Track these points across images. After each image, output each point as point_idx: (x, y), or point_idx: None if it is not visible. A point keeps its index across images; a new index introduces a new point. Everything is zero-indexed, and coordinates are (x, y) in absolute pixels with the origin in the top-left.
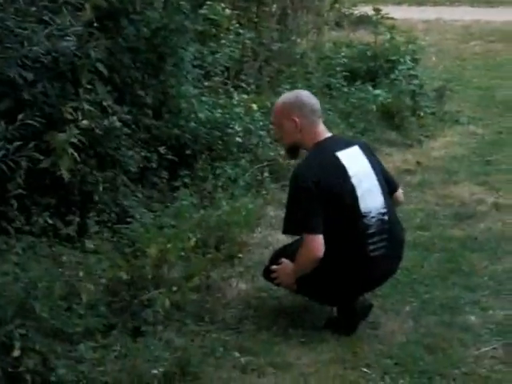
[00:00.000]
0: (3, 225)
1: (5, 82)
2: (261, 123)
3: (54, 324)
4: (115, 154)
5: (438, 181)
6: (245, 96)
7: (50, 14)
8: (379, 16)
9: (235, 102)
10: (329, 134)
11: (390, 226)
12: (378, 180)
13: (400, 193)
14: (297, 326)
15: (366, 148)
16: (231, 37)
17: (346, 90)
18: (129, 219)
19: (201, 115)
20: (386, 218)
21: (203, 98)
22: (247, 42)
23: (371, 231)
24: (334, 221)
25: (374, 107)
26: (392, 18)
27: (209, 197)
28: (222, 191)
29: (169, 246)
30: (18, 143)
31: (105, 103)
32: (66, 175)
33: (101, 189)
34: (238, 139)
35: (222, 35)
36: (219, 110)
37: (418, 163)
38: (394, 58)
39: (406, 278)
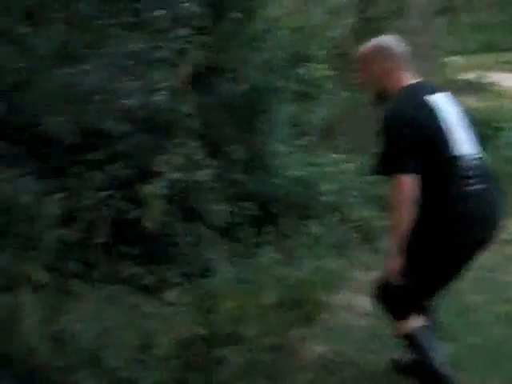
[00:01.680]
0: (86, 273)
1: (101, 134)
2: (353, 183)
3: (125, 375)
4: (202, 208)
5: None
6: (339, 155)
7: (144, 69)
8: (485, 82)
9: (326, 161)
10: (415, 80)
11: (485, 170)
12: (469, 126)
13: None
14: None
15: (455, 100)
16: (328, 96)
17: None
18: (211, 273)
19: (290, 173)
20: (478, 163)
21: (294, 156)
22: (344, 102)
23: (463, 174)
24: (425, 162)
25: None
26: (498, 85)
27: (292, 255)
28: (306, 250)
29: (246, 302)
30: (107, 193)
31: (195, 157)
32: (151, 226)
33: (185, 241)
34: (327, 198)
35: (319, 95)
36: (310, 168)
37: None
38: (499, 124)
39: (493, 354)
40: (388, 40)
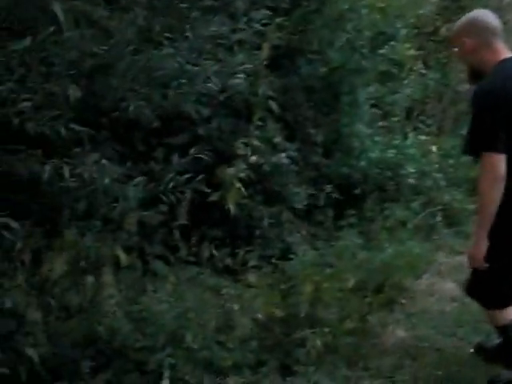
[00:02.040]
0: (166, 254)
1: (182, 118)
2: (437, 165)
3: (204, 355)
4: (282, 191)
5: None
6: (423, 137)
7: (223, 52)
8: None
9: (410, 143)
10: (510, 55)
11: None
12: None
13: None
14: (456, 381)
15: None
16: (413, 77)
17: None
18: (291, 255)
19: (372, 155)
20: None
21: (377, 138)
22: (430, 82)
23: None
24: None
25: None
26: None
27: (375, 238)
28: (389, 233)
29: (325, 285)
30: (187, 176)
31: (275, 140)
32: (232, 209)
33: (266, 224)
34: (411, 181)
35: (403, 75)
36: (393, 151)
37: None
38: None
39: None
40: (482, 14)
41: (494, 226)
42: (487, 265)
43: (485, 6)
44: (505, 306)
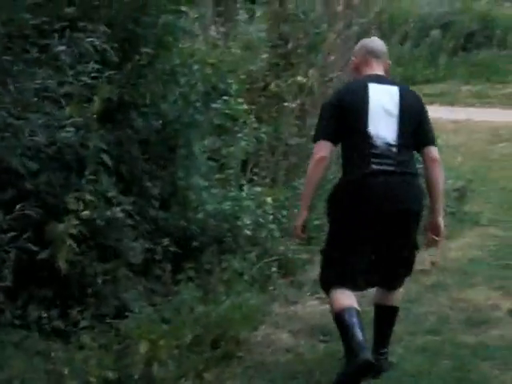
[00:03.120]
0: None
1: (7, 172)
2: (272, 216)
3: None
4: (117, 246)
5: (453, 283)
6: (258, 189)
7: (50, 106)
8: None
9: (245, 195)
10: (379, 72)
11: (399, 157)
12: (400, 120)
13: (433, 149)
14: None
15: (411, 97)
16: (246, 131)
17: None
18: (127, 313)
19: (209, 207)
20: (393, 149)
21: (213, 190)
22: (263, 136)
23: (375, 152)
24: (345, 137)
25: None
26: None
27: (213, 291)
28: (227, 286)
29: (162, 342)
30: (13, 234)
31: (109, 194)
32: (63, 267)
33: (100, 281)
34: (247, 232)
35: (237, 129)
36: (229, 203)
37: (434, 264)
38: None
39: None
40: (366, 39)
41: (333, 214)
42: (304, 236)
43: (311, 65)
44: (336, 288)
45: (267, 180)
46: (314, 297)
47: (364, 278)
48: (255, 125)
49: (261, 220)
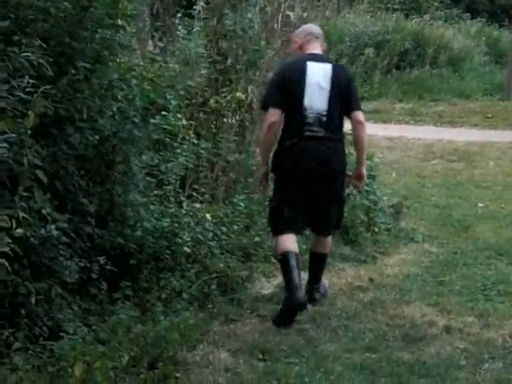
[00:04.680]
0: None
1: None
2: (211, 233)
3: None
4: (52, 264)
5: (390, 300)
6: (197, 205)
7: None
8: None
9: (184, 212)
10: (316, 51)
11: (327, 125)
12: (330, 94)
13: (358, 114)
14: None
15: (341, 72)
16: (185, 146)
17: None
18: (62, 334)
19: (147, 224)
20: (323, 119)
21: (151, 207)
22: (202, 152)
23: (309, 121)
24: (286, 106)
25: None
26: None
27: (151, 310)
28: (165, 304)
29: (97, 364)
30: None
31: (43, 211)
32: None
33: (33, 301)
34: (186, 249)
35: (176, 145)
36: (168, 219)
37: (371, 280)
38: (349, 173)
39: None
40: (305, 25)
41: (275, 171)
42: (267, 185)
43: (250, 81)
44: (281, 232)
45: (206, 196)
46: (253, 314)
47: (301, 223)
48: (194, 140)
49: (200, 237)
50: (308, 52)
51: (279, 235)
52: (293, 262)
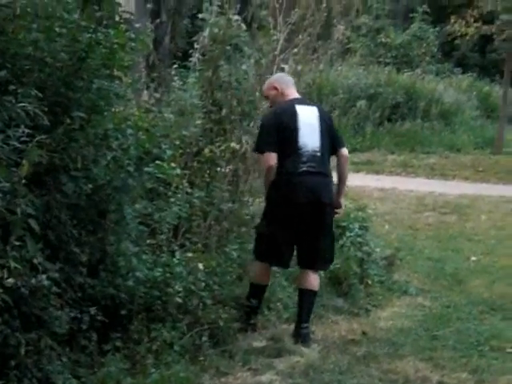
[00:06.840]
0: None
1: None
2: (203, 283)
3: None
4: (42, 315)
5: (383, 354)
6: (190, 254)
7: None
8: None
9: (177, 261)
10: (297, 96)
11: (320, 161)
12: (320, 132)
13: (344, 150)
14: None
15: (324, 113)
16: (179, 195)
17: None
18: None
19: (139, 274)
20: (318, 154)
21: (144, 256)
22: (195, 201)
23: (303, 159)
24: (282, 147)
25: (322, 273)
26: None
27: (141, 362)
28: (156, 356)
29: None
30: None
31: (35, 261)
32: None
33: (23, 352)
34: (178, 300)
35: (170, 194)
36: (160, 269)
37: (364, 333)
38: (342, 224)
39: None
40: (278, 74)
41: (268, 200)
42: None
43: (245, 131)
44: (262, 261)
45: (199, 245)
46: (245, 368)
47: (288, 257)
48: (188, 189)
49: (192, 287)
50: (291, 97)
51: (261, 262)
52: (263, 295)
